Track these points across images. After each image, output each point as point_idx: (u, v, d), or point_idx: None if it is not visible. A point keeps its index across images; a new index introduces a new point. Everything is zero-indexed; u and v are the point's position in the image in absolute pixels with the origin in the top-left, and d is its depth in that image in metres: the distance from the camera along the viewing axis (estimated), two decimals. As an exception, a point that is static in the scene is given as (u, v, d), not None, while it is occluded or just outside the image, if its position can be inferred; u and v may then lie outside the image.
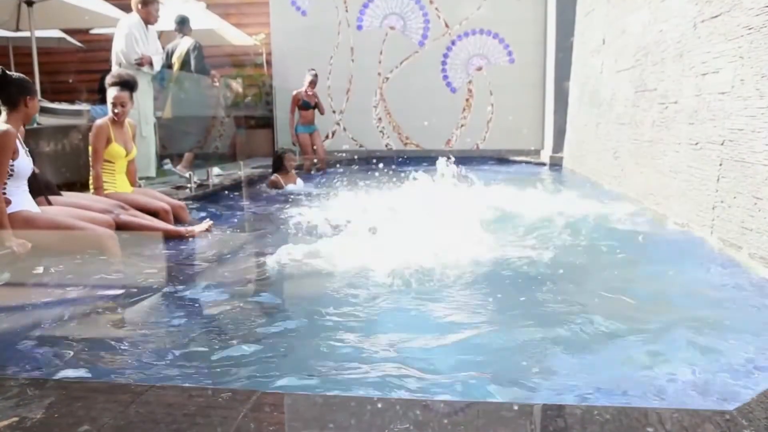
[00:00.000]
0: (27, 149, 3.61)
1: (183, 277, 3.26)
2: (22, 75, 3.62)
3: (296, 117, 8.47)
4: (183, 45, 7.38)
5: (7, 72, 3.51)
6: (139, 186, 5.13)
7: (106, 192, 4.36)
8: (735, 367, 2.00)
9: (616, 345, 2.24)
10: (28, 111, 3.54)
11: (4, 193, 3.40)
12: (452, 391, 1.85)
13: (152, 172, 6.42)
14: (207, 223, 4.35)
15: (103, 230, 3.60)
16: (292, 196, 6.25)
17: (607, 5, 6.40)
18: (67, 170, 5.59)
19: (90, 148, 4.40)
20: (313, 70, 8.39)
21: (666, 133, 4.45)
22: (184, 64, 7.35)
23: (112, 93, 4.41)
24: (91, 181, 4.44)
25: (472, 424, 1.41)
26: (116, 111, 4.41)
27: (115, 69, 4.55)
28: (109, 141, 4.37)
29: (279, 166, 6.68)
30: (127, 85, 4.50)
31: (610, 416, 1.46)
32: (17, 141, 3.42)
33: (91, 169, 4.42)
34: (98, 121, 4.45)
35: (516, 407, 1.52)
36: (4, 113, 3.48)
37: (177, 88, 7.41)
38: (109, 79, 4.48)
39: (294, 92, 8.25)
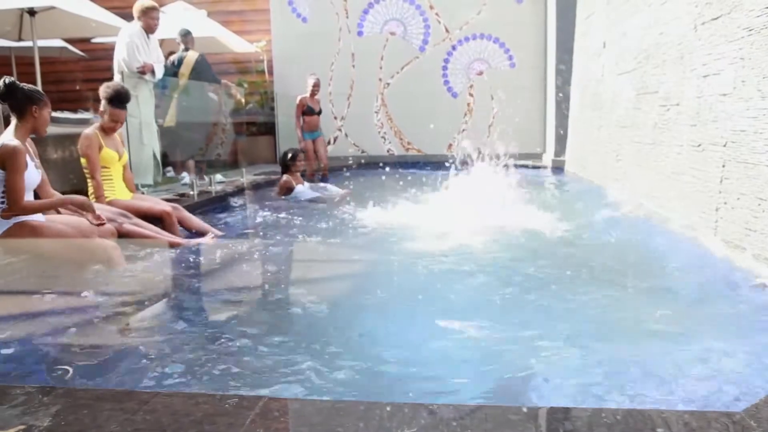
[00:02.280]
0: (37, 161, 3.63)
1: (186, 287, 3.27)
2: (32, 86, 3.64)
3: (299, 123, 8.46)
4: (190, 57, 7.48)
5: (17, 82, 3.53)
6: (142, 193, 5.15)
7: (107, 199, 4.37)
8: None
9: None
10: (36, 122, 3.55)
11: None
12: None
13: (153, 180, 6.43)
14: (210, 237, 4.36)
15: (105, 240, 3.61)
16: (294, 202, 6.27)
17: (607, 8, 6.41)
18: (74, 177, 5.60)
19: (83, 160, 4.41)
20: (314, 74, 8.38)
21: (668, 135, 4.45)
22: (192, 73, 7.45)
23: (108, 108, 4.43)
24: (91, 191, 4.44)
25: (480, 428, 1.41)
26: (115, 127, 4.49)
27: (109, 82, 4.56)
28: (100, 148, 4.39)
29: (290, 166, 6.65)
30: (125, 100, 4.53)
31: (617, 418, 1.45)
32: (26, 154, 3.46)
33: (89, 179, 4.42)
34: (87, 131, 4.45)
35: (525, 410, 1.52)
36: (13, 123, 3.51)
37: (183, 97, 7.46)
38: (105, 93, 4.47)
39: (299, 97, 8.26)
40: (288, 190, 6.49)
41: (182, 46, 7.58)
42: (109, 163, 4.46)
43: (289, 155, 6.66)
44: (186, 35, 7.61)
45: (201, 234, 4.49)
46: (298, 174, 6.75)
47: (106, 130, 4.48)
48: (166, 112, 7.19)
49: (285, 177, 6.56)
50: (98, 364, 2.10)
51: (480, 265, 3.44)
